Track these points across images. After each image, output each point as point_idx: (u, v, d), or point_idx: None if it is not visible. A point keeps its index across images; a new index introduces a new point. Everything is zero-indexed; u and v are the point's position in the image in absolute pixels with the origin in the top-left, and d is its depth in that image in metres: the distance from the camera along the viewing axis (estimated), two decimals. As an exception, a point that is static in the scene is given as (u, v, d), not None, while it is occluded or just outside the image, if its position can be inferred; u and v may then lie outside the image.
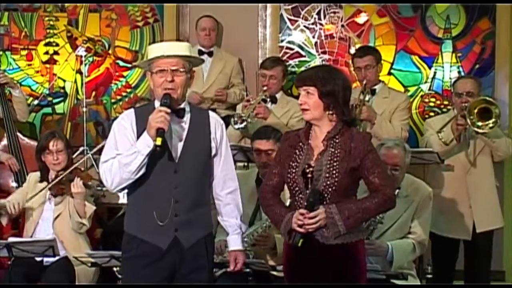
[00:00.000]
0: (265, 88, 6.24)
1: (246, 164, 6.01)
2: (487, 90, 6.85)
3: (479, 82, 6.03)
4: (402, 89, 7.00)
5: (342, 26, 7.18)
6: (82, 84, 7.11)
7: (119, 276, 4.94)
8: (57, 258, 5.24)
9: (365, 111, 5.88)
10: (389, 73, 7.10)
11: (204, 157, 4.01)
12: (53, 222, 5.42)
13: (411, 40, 7.11)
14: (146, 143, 3.84)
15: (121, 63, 7.32)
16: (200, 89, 6.86)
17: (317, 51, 7.22)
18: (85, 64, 7.11)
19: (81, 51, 7.05)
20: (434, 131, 5.86)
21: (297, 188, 3.87)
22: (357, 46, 6.99)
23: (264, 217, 4.87)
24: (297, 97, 6.47)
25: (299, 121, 5.87)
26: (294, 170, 3.87)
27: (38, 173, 5.61)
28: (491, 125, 5.63)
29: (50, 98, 7.36)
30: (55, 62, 7.36)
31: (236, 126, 6.00)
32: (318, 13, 7.21)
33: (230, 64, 7.01)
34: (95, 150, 6.21)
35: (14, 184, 6.42)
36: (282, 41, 7.24)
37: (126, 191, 4.08)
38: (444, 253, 5.86)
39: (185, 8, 7.29)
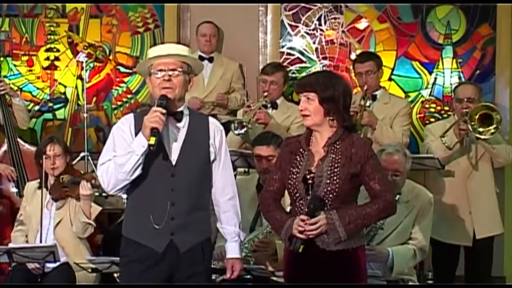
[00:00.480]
0: (265, 94, 6.24)
1: (246, 170, 6.01)
2: (488, 96, 6.86)
3: (480, 88, 6.03)
4: (403, 95, 7.01)
5: (343, 31, 7.19)
6: (82, 89, 7.11)
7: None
8: (57, 264, 5.23)
9: (366, 116, 5.88)
10: (390, 79, 7.10)
11: (202, 161, 4.01)
12: (55, 228, 5.41)
13: (411, 46, 7.12)
14: (141, 143, 3.85)
15: (122, 69, 7.32)
16: (201, 94, 6.86)
17: (317, 57, 7.23)
18: (86, 70, 7.11)
19: (82, 57, 7.05)
20: (434, 137, 5.86)
21: (297, 194, 3.86)
22: (358, 52, 6.99)
23: (265, 223, 4.87)
24: (297, 103, 6.49)
25: (300, 127, 5.86)
26: (294, 176, 3.87)
27: (35, 182, 5.60)
28: (492, 131, 5.63)
29: (51, 104, 7.35)
30: (56, 68, 7.36)
31: (237, 132, 6.00)
32: (319, 19, 7.21)
33: (231, 70, 7.01)
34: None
35: (14, 190, 6.42)
36: (282, 46, 7.24)
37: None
38: (444, 259, 5.86)
39: (185, 14, 7.30)
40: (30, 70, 7.37)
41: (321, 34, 7.22)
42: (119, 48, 7.34)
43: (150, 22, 7.32)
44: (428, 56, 7.11)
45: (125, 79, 7.34)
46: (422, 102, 7.12)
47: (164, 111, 3.86)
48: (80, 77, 7.27)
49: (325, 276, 3.82)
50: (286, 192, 4.00)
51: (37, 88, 7.36)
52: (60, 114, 7.37)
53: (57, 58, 7.36)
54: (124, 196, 4.49)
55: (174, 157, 3.96)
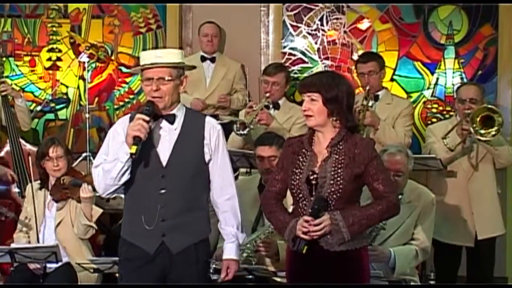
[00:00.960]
0: (267, 94, 6.23)
1: (248, 170, 6.00)
2: (490, 96, 6.84)
3: (483, 89, 6.02)
4: (405, 95, 7.00)
5: (345, 32, 7.18)
6: (85, 90, 7.12)
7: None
8: (59, 264, 5.23)
9: (368, 116, 5.87)
10: (392, 79, 7.09)
11: (195, 162, 3.99)
12: (55, 228, 5.41)
13: (413, 46, 7.11)
14: (125, 151, 3.86)
15: (124, 69, 7.32)
16: (203, 95, 6.86)
17: (319, 57, 7.22)
18: (88, 70, 7.11)
19: (84, 57, 7.05)
20: (436, 138, 5.85)
21: (301, 195, 3.85)
22: (360, 52, 6.98)
23: (267, 223, 4.86)
24: (299, 103, 6.53)
25: (302, 127, 5.86)
26: (298, 177, 3.86)
27: (36, 183, 5.60)
28: (493, 133, 5.62)
29: (53, 104, 7.36)
30: (58, 68, 7.37)
31: (239, 133, 5.99)
32: (321, 19, 7.21)
33: (233, 70, 7.00)
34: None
35: (16, 190, 6.42)
36: (284, 47, 7.23)
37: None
38: (446, 260, 5.86)
39: (187, 14, 7.29)
40: (32, 71, 7.37)
41: (323, 35, 7.21)
42: (121, 48, 7.34)
43: (152, 22, 7.32)
44: (430, 57, 7.10)
45: (127, 80, 7.34)
46: (424, 102, 7.11)
47: (147, 118, 3.85)
48: (82, 78, 7.28)
49: (328, 277, 3.81)
50: (287, 192, 4.00)
51: (39, 89, 7.37)
52: (62, 114, 7.37)
53: (59, 59, 7.37)
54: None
55: (164, 158, 3.96)
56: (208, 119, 4.11)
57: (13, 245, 5.24)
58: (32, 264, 5.25)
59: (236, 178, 6.02)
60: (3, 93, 6.51)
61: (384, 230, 4.85)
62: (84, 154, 6.78)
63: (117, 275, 4.92)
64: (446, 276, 5.80)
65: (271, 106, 6.26)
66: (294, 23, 7.23)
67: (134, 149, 3.81)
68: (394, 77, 7.10)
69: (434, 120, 7.00)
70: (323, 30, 7.21)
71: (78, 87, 7.34)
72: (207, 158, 4.02)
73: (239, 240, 4.12)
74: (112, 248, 5.53)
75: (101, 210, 5.41)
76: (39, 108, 7.29)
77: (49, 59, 7.37)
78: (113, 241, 5.69)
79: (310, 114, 3.85)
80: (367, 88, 6.00)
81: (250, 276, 4.79)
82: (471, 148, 5.81)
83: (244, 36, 7.19)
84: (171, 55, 4.01)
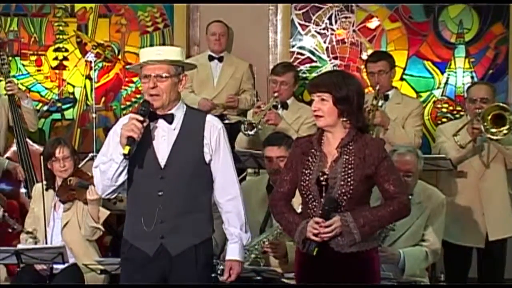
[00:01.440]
0: (276, 94, 6.21)
1: (257, 170, 5.99)
2: (501, 95, 6.82)
3: (494, 88, 5.98)
4: (414, 95, 6.99)
5: (354, 31, 7.17)
6: (91, 89, 7.12)
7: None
8: (66, 265, 5.23)
9: (378, 116, 5.86)
10: (401, 79, 7.08)
11: (194, 163, 3.95)
12: (62, 229, 5.41)
13: (423, 45, 7.10)
14: (119, 151, 3.84)
15: (131, 69, 7.32)
16: (211, 94, 6.85)
17: (328, 57, 7.21)
18: (95, 70, 7.12)
19: (90, 57, 7.06)
20: (446, 138, 5.83)
21: (310, 196, 3.84)
22: (369, 51, 6.98)
23: (275, 224, 4.85)
24: (308, 103, 6.52)
25: (311, 127, 5.84)
26: (307, 178, 3.84)
27: (41, 184, 5.60)
28: (505, 131, 5.59)
29: (59, 104, 7.36)
30: (64, 67, 7.37)
31: (246, 133, 5.98)
32: (330, 18, 7.20)
33: (241, 70, 7.00)
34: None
35: (23, 190, 6.43)
36: (293, 46, 7.23)
37: None
38: (457, 261, 5.83)
39: (195, 13, 7.29)
40: (39, 70, 7.38)
41: (331, 34, 7.21)
42: (128, 47, 7.34)
43: (159, 21, 7.32)
44: (440, 56, 7.09)
45: (134, 79, 7.34)
46: (434, 102, 7.10)
47: (141, 118, 3.83)
48: (88, 77, 7.28)
49: (338, 278, 3.80)
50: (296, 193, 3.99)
51: (46, 88, 7.38)
52: (68, 114, 7.38)
53: (65, 58, 7.37)
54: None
55: (163, 159, 3.93)
56: (209, 118, 4.06)
57: (19, 246, 5.24)
58: (38, 265, 5.24)
59: (244, 178, 6.07)
60: (10, 92, 6.51)
61: (394, 231, 4.85)
62: (90, 155, 6.77)
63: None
64: (457, 277, 5.77)
65: (279, 106, 6.25)
66: (303, 22, 7.23)
67: (127, 149, 3.79)
68: (404, 76, 7.10)
69: (444, 120, 6.99)
70: (332, 29, 7.20)
71: (85, 87, 7.35)
72: (207, 158, 3.99)
73: (242, 241, 4.08)
74: (119, 249, 5.52)
75: (108, 212, 5.41)
76: (45, 108, 7.30)
77: (56, 58, 7.37)
78: (120, 242, 5.66)
79: (320, 114, 3.83)
80: (377, 87, 5.98)
81: (258, 278, 4.78)
82: (482, 148, 5.79)
83: (252, 35, 7.18)
84: (170, 52, 3.98)
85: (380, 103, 5.98)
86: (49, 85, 7.37)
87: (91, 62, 7.07)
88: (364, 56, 7.01)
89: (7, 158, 6.53)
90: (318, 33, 7.21)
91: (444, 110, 7.09)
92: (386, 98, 6.06)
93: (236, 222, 4.07)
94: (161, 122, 3.95)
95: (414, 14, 7.09)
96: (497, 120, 5.60)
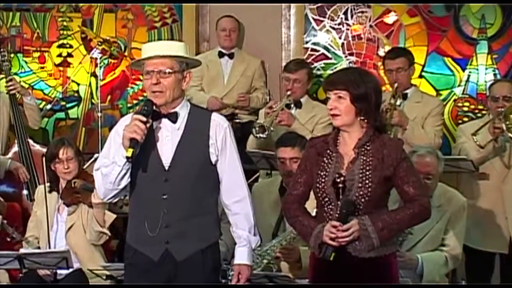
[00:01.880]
0: (289, 92, 6.21)
1: (269, 172, 6.00)
2: (525, 93, 6.80)
3: (517, 86, 5.98)
4: (434, 93, 6.98)
5: (370, 26, 7.17)
6: (97, 87, 7.14)
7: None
8: (70, 270, 5.25)
9: (396, 116, 5.85)
10: (420, 76, 7.07)
11: (200, 164, 3.94)
12: (66, 233, 5.43)
13: (443, 41, 7.09)
14: (121, 153, 3.82)
15: (138, 66, 7.33)
16: (221, 93, 6.86)
17: (343, 53, 7.21)
18: (100, 67, 7.13)
19: (96, 53, 7.07)
20: (467, 138, 5.83)
21: (326, 199, 3.84)
22: (386, 47, 6.97)
23: (288, 228, 4.85)
24: (323, 102, 6.53)
25: (326, 127, 5.85)
26: (323, 180, 3.84)
27: (46, 185, 5.62)
28: (528, 131, 5.59)
29: (63, 103, 7.38)
30: (68, 64, 7.39)
31: (258, 136, 5.97)
32: (345, 13, 7.19)
33: (252, 67, 7.00)
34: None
35: (25, 192, 6.44)
36: (307, 42, 7.23)
37: None
38: (478, 267, 5.83)
39: (204, 8, 7.29)
40: (42, 67, 7.40)
41: (347, 29, 7.20)
42: (135, 44, 7.35)
43: (167, 16, 7.33)
44: (461, 52, 7.08)
45: (141, 77, 7.30)
46: (455, 100, 7.09)
47: (144, 119, 3.81)
48: (94, 75, 7.30)
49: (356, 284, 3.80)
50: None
51: (49, 86, 7.40)
52: (73, 113, 7.40)
53: (70, 55, 7.39)
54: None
55: (167, 161, 3.92)
56: (214, 116, 4.04)
57: (22, 250, 5.26)
58: (42, 270, 5.26)
59: (256, 180, 6.08)
60: (12, 92, 6.53)
61: (412, 234, 4.85)
62: (96, 155, 6.74)
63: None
64: (478, 284, 5.76)
65: (292, 105, 6.24)
66: (317, 17, 7.22)
67: (130, 152, 3.77)
68: (423, 74, 7.09)
69: (465, 119, 6.98)
70: (347, 24, 7.20)
71: (90, 85, 7.37)
72: (213, 158, 3.98)
73: (251, 244, 4.07)
74: (126, 254, 5.56)
75: (114, 216, 5.41)
76: (48, 106, 7.32)
77: (60, 55, 7.39)
78: (126, 246, 5.71)
79: (336, 113, 3.83)
80: (395, 85, 5.98)
81: (271, 284, 4.78)
82: (504, 148, 5.78)
83: (264, 31, 7.19)
84: (173, 47, 3.97)
85: (398, 102, 5.98)
86: (53, 83, 7.40)
87: (96, 59, 7.08)
88: (381, 52, 7.01)
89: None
90: (333, 28, 7.21)
91: (465, 109, 7.08)
92: (404, 96, 6.06)
93: (244, 225, 4.05)
94: (164, 122, 3.94)
95: (434, 8, 7.08)
96: (520, 119, 5.61)
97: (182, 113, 3.96)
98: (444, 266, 4.97)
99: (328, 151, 3.90)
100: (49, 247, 5.38)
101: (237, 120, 6.72)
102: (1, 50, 6.66)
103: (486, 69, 7.06)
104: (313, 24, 7.23)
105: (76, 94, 7.40)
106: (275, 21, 7.21)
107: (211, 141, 3.96)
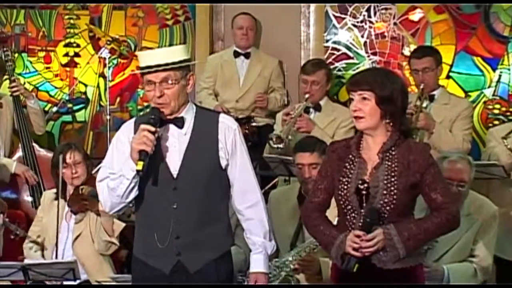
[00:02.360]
0: (307, 95, 6.19)
1: (287, 178, 5.99)
2: (560, 95, 6.81)
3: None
4: (463, 95, 6.96)
5: (395, 24, 7.17)
6: (105, 89, 7.16)
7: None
8: (78, 282, 5.26)
9: (422, 119, 5.85)
10: (448, 77, 7.06)
11: (209, 170, 3.93)
12: (73, 243, 5.44)
13: (473, 39, 7.07)
14: (130, 166, 3.80)
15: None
16: (237, 95, 6.86)
17: (366, 52, 7.21)
18: (109, 67, 7.16)
19: (104, 53, 7.10)
20: (498, 142, 5.81)
21: (349, 207, 3.83)
22: (411, 46, 6.97)
23: (308, 238, 4.85)
24: (343, 104, 6.52)
25: (348, 131, 5.84)
26: (345, 186, 3.84)
27: (52, 191, 5.63)
28: (562, 134, 5.58)
29: (70, 105, 7.41)
30: (75, 65, 7.42)
31: (275, 146, 5.96)
32: (368, 10, 7.19)
33: (270, 67, 7.00)
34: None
35: (29, 199, 6.46)
36: (327, 41, 7.23)
37: None
38: (511, 279, 5.80)
39: (219, 5, 7.29)
40: (48, 68, 7.43)
41: (370, 27, 7.20)
42: (145, 43, 7.37)
43: (180, 14, 7.34)
44: (491, 51, 7.07)
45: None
46: (485, 102, 7.07)
47: (153, 129, 3.79)
48: (102, 75, 7.32)
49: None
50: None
51: (55, 87, 7.43)
52: (80, 116, 7.42)
53: (77, 54, 7.42)
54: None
55: (175, 168, 3.91)
56: (222, 118, 4.02)
57: (26, 261, 5.27)
58: (48, 282, 5.27)
59: (274, 187, 6.07)
60: (15, 93, 6.55)
61: (437, 242, 4.82)
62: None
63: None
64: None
65: (311, 108, 6.23)
66: (338, 14, 7.22)
67: (140, 165, 3.75)
68: (451, 74, 7.08)
69: (496, 122, 6.96)
70: (370, 21, 7.20)
71: (98, 86, 7.39)
72: (223, 163, 3.97)
73: (267, 250, 4.06)
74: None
75: (123, 224, 5.41)
76: (54, 109, 7.34)
77: (66, 54, 7.42)
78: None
79: (360, 115, 3.82)
80: (421, 87, 5.98)
81: (288, 295, 4.79)
82: (538, 154, 5.77)
83: (282, 29, 7.19)
84: (174, 53, 3.91)
85: (424, 104, 5.98)
86: (59, 84, 7.42)
87: (105, 58, 7.11)
88: (407, 51, 7.00)
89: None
90: (355, 26, 7.21)
91: (496, 111, 7.06)
92: (431, 98, 6.06)
93: (259, 230, 4.05)
94: (170, 128, 3.93)
95: (463, 5, 7.06)
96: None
97: (188, 117, 3.96)
98: (473, 278, 4.96)
99: (351, 156, 3.90)
100: (56, 257, 5.39)
101: (254, 124, 6.72)
102: (5, 49, 6.69)
103: (519, 69, 7.05)
104: (334, 21, 7.23)
105: (83, 96, 7.42)
106: (294, 19, 7.21)
107: (220, 144, 3.95)
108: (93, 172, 5.76)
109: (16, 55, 7.33)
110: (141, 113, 7.29)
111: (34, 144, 6.61)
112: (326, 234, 3.89)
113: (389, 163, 3.81)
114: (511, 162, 5.74)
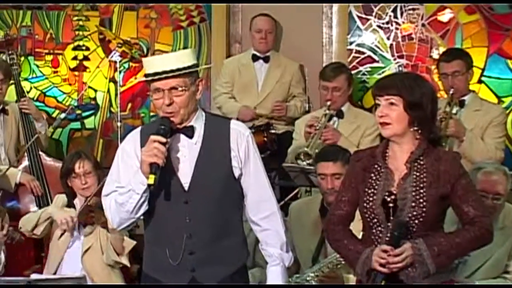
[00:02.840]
0: (328, 103, 6.17)
1: (308, 189, 5.99)
2: None
3: None
4: (495, 100, 6.95)
5: (423, 25, 7.16)
6: (116, 94, 7.18)
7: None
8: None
9: (452, 126, 5.84)
10: (480, 81, 7.05)
11: (223, 181, 3.93)
12: (82, 256, 5.45)
13: (506, 41, 7.07)
14: (140, 180, 3.79)
15: (162, 70, 7.36)
16: (254, 101, 6.86)
17: (392, 55, 7.20)
18: (120, 72, 7.18)
19: (115, 56, 7.11)
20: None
21: (375, 220, 3.83)
22: (441, 49, 6.96)
23: (330, 253, 4.84)
24: (367, 110, 6.50)
25: (375, 139, 5.83)
26: (371, 198, 3.84)
27: (63, 196, 5.64)
28: None
29: (79, 111, 7.44)
30: (85, 69, 7.45)
31: (304, 163, 5.94)
32: (394, 11, 7.19)
33: (290, 71, 7.00)
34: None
35: (35, 209, 6.47)
36: (351, 43, 7.23)
37: None
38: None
39: (236, 6, 7.30)
40: (55, 72, 7.46)
41: (396, 28, 7.20)
42: (158, 45, 7.39)
43: (195, 15, 7.36)
44: (527, 54, 7.05)
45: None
46: (519, 108, 7.06)
47: (163, 140, 3.78)
48: (113, 80, 7.35)
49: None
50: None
51: (63, 93, 7.46)
52: (89, 123, 7.45)
53: (86, 58, 7.45)
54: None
55: (186, 181, 3.90)
56: (234, 125, 4.01)
57: (33, 276, 5.28)
58: None
59: (294, 198, 6.06)
60: (25, 111, 6.54)
61: (469, 257, 4.80)
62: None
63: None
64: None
65: (334, 116, 6.21)
66: (362, 15, 7.23)
67: (152, 178, 3.74)
68: (483, 78, 7.07)
69: (531, 130, 6.94)
70: (396, 23, 7.20)
71: (109, 91, 7.41)
72: (236, 173, 3.96)
73: (284, 262, 4.04)
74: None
75: (134, 242, 5.37)
76: (63, 115, 7.36)
77: (75, 58, 7.45)
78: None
79: (387, 121, 3.81)
80: (451, 92, 5.98)
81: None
82: None
83: (303, 31, 7.20)
84: (183, 58, 3.90)
85: (454, 110, 5.97)
86: (67, 89, 7.45)
87: (115, 62, 7.13)
88: (435, 54, 6.99)
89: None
90: (381, 27, 7.21)
91: (531, 118, 7.04)
92: (462, 104, 6.04)
93: (275, 241, 4.03)
94: (179, 137, 3.92)
95: (496, 4, 7.04)
96: None
97: (198, 125, 3.95)
98: (508, 295, 4.95)
99: (376, 165, 3.89)
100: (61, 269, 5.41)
101: (273, 131, 6.70)
102: (10, 52, 6.70)
103: (555, 73, 7.04)
104: (358, 23, 7.23)
105: (93, 102, 7.45)
106: (316, 20, 7.21)
107: (232, 153, 3.95)
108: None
109: (22, 58, 7.36)
110: (154, 120, 7.31)
111: (41, 153, 6.62)
112: (351, 249, 3.88)
113: (418, 174, 3.81)
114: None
